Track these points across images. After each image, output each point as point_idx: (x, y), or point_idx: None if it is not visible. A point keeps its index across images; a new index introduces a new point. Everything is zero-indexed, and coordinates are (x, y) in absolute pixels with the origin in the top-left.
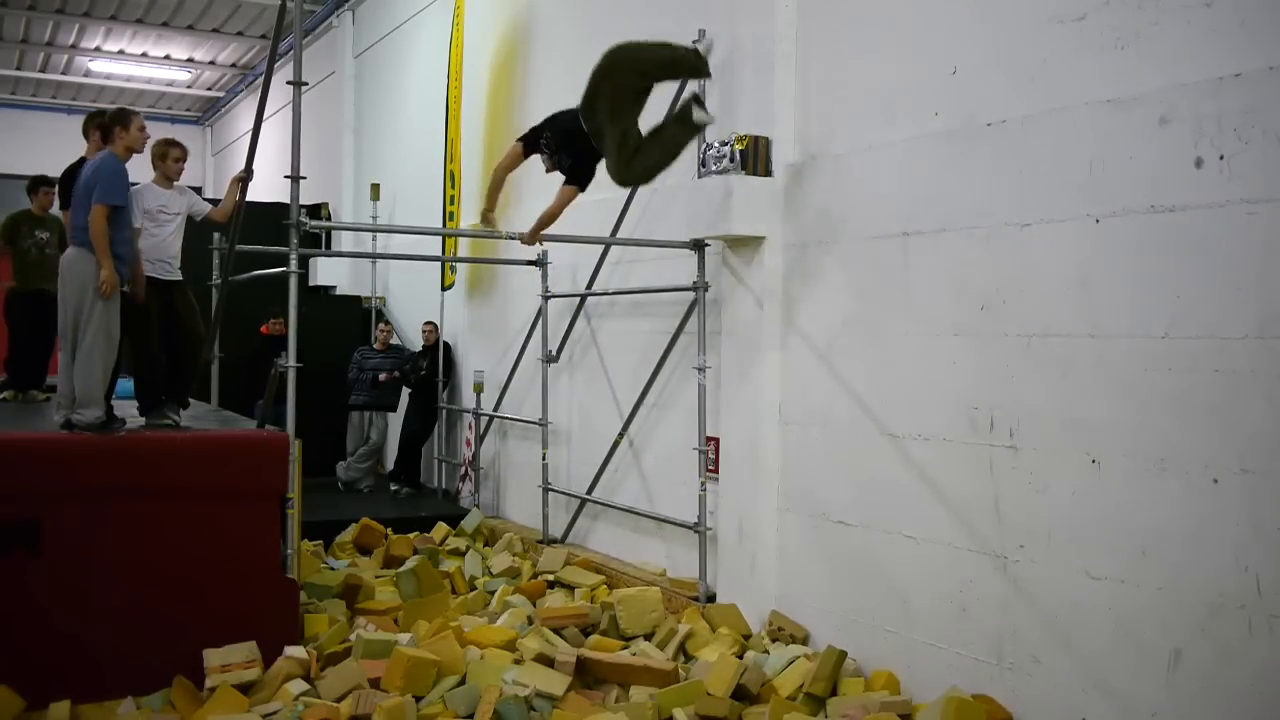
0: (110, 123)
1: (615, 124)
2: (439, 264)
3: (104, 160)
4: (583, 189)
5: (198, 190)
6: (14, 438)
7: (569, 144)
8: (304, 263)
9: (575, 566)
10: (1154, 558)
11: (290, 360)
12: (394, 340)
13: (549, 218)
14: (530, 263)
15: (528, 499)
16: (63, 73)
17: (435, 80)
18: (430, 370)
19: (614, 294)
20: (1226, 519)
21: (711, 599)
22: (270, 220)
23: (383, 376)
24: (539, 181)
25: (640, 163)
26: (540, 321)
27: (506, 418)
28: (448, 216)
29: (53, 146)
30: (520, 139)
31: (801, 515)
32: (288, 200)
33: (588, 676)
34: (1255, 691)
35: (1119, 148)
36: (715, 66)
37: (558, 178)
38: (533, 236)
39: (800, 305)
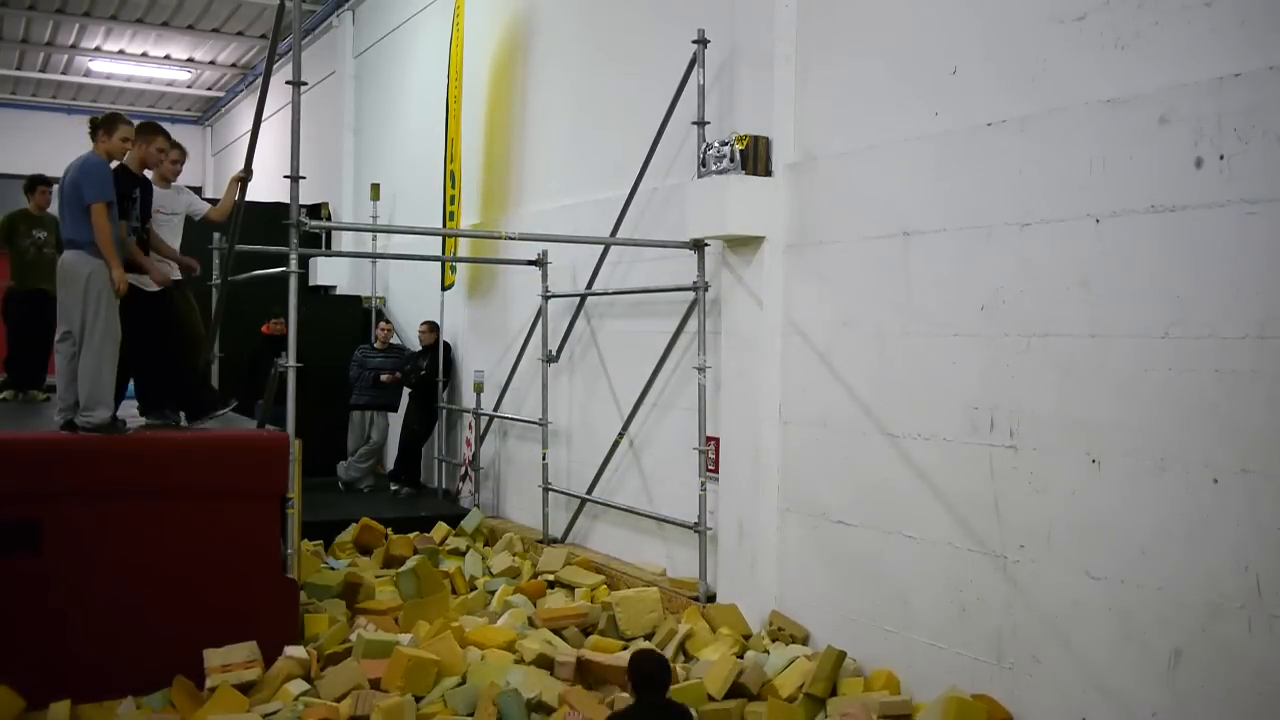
0: (97, 125)
1: None
2: (439, 264)
3: (87, 159)
4: None
5: (197, 190)
6: (14, 438)
7: None
8: (304, 263)
9: (575, 566)
10: (1154, 558)
11: (290, 360)
12: (394, 340)
13: None
14: (530, 262)
15: (528, 499)
16: (63, 73)
17: (435, 80)
18: (430, 370)
19: (614, 294)
20: (1226, 519)
21: (711, 599)
22: (270, 220)
23: (385, 377)
24: (539, 181)
25: None
26: (540, 321)
27: (506, 418)
28: (448, 216)
29: (53, 146)
30: None
31: (801, 515)
32: (288, 200)
33: (588, 677)
34: (1255, 691)
35: (1119, 148)
36: (715, 66)
37: (554, 174)
38: None
39: (800, 305)
